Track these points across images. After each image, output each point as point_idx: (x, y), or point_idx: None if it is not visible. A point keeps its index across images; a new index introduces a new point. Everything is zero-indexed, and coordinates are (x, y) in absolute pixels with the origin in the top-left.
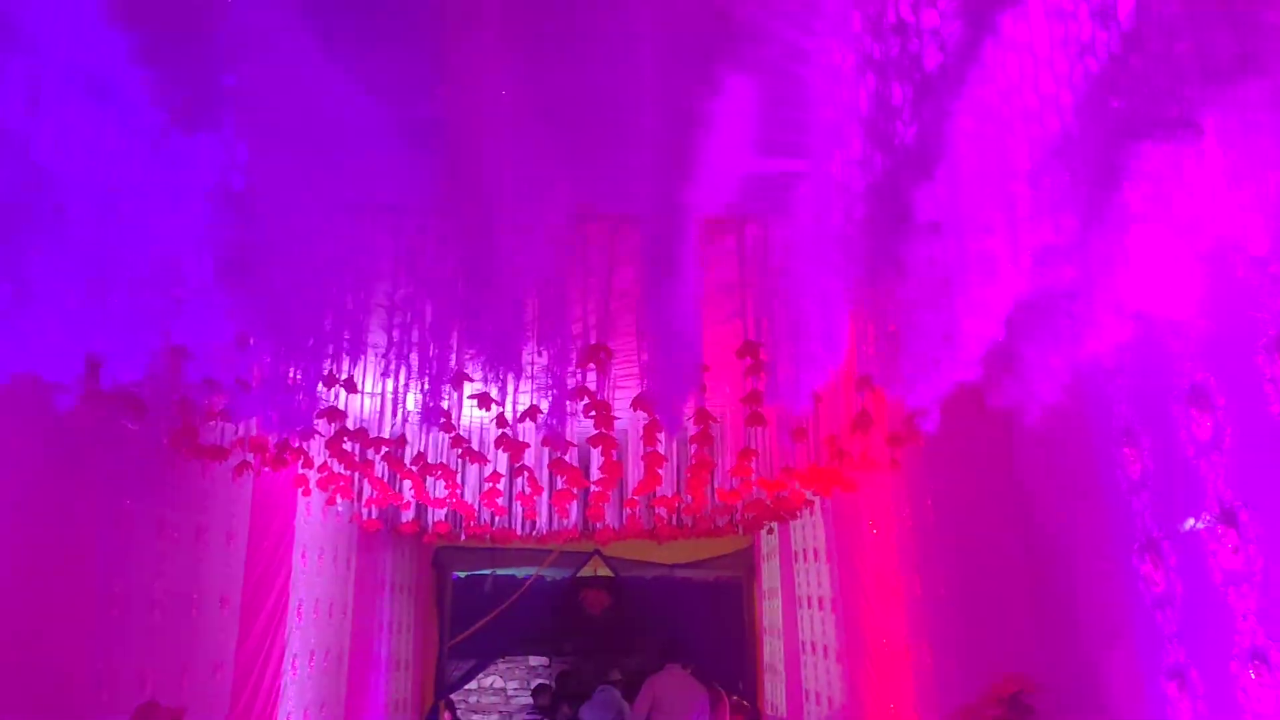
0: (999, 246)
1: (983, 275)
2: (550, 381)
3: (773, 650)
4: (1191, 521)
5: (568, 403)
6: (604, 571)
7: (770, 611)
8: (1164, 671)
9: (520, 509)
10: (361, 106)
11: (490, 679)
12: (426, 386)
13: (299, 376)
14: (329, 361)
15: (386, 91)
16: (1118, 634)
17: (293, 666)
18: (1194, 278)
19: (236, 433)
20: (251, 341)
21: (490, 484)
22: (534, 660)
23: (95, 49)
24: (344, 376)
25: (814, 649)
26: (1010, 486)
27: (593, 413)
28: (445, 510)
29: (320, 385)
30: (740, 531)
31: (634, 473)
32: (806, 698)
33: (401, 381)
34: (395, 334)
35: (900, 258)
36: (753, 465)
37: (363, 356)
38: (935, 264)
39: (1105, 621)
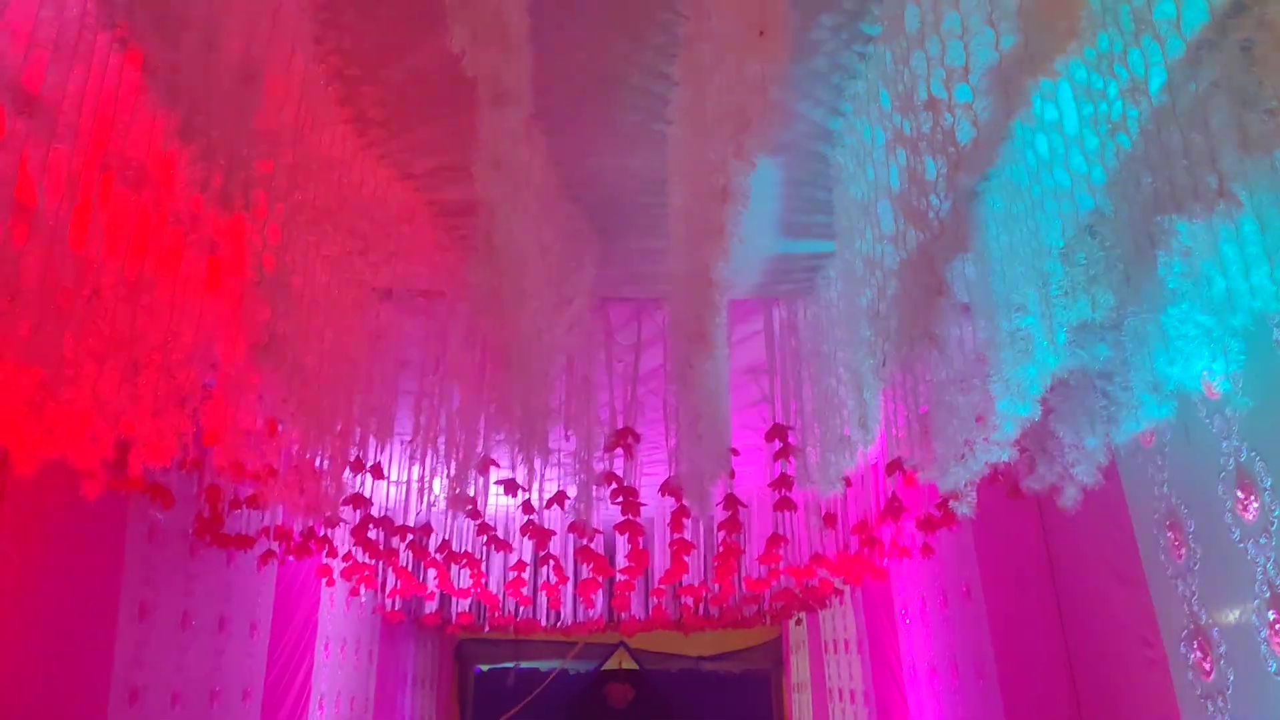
0: (1033, 325)
1: (1017, 355)
2: (577, 467)
3: None
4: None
5: (594, 488)
6: (629, 664)
7: (800, 705)
8: None
9: (545, 599)
10: (395, 192)
11: None
12: (453, 472)
13: (326, 463)
14: (355, 448)
15: (419, 176)
16: None
17: None
18: (1233, 354)
19: (262, 520)
20: (280, 427)
21: (515, 573)
22: None
23: (132, 133)
24: (371, 463)
25: None
26: (1046, 573)
27: (620, 499)
28: (469, 601)
29: (347, 471)
30: (768, 622)
31: (660, 562)
32: None
33: (428, 468)
34: (423, 419)
35: (934, 333)
36: (781, 552)
37: (389, 443)
38: (968, 345)
39: (1150, 713)
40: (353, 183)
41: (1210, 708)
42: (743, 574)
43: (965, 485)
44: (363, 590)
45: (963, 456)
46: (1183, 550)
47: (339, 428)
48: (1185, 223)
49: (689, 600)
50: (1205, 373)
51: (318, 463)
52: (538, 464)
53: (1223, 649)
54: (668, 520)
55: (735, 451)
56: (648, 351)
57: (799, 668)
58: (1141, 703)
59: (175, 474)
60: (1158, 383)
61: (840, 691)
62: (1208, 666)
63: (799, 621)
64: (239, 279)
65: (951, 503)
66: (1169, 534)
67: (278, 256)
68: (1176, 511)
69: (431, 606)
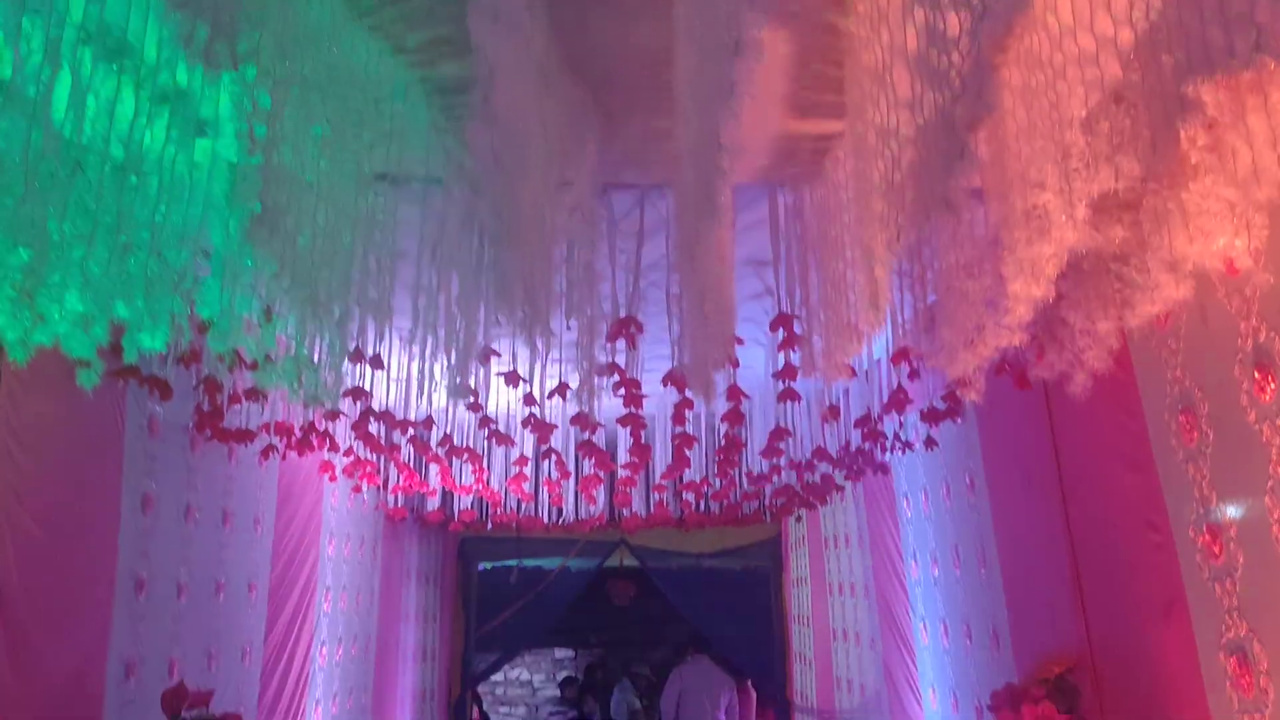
0: (1051, 202)
1: (1032, 233)
2: (579, 356)
3: (802, 638)
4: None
5: (597, 379)
6: (630, 562)
7: (799, 600)
8: (1224, 647)
9: (547, 495)
10: (388, 67)
11: (516, 671)
12: (454, 360)
13: (324, 352)
14: (354, 338)
15: (412, 51)
16: (1172, 609)
17: (321, 654)
18: (1256, 229)
19: (262, 414)
20: (276, 312)
21: (518, 468)
22: (559, 653)
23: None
24: (370, 354)
25: (846, 636)
26: (1052, 461)
27: (622, 391)
28: (471, 497)
29: (346, 361)
30: (768, 519)
31: (662, 459)
32: (838, 685)
33: (427, 359)
34: (421, 304)
35: (952, 201)
36: (783, 446)
37: (388, 333)
38: (978, 230)
39: (1158, 596)
40: (343, 56)
41: (1218, 590)
42: (744, 469)
43: (974, 371)
44: (365, 487)
45: (972, 342)
46: (1195, 434)
47: (336, 315)
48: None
49: (690, 496)
50: (1226, 250)
51: (315, 352)
52: (540, 351)
53: (1233, 531)
54: (669, 415)
55: (739, 340)
56: (650, 241)
57: (798, 563)
58: (1146, 587)
59: (173, 367)
60: (1176, 262)
61: (840, 585)
62: (1217, 550)
63: (799, 519)
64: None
65: (959, 390)
66: (1181, 418)
67: (268, 123)
68: (1190, 395)
69: (434, 503)
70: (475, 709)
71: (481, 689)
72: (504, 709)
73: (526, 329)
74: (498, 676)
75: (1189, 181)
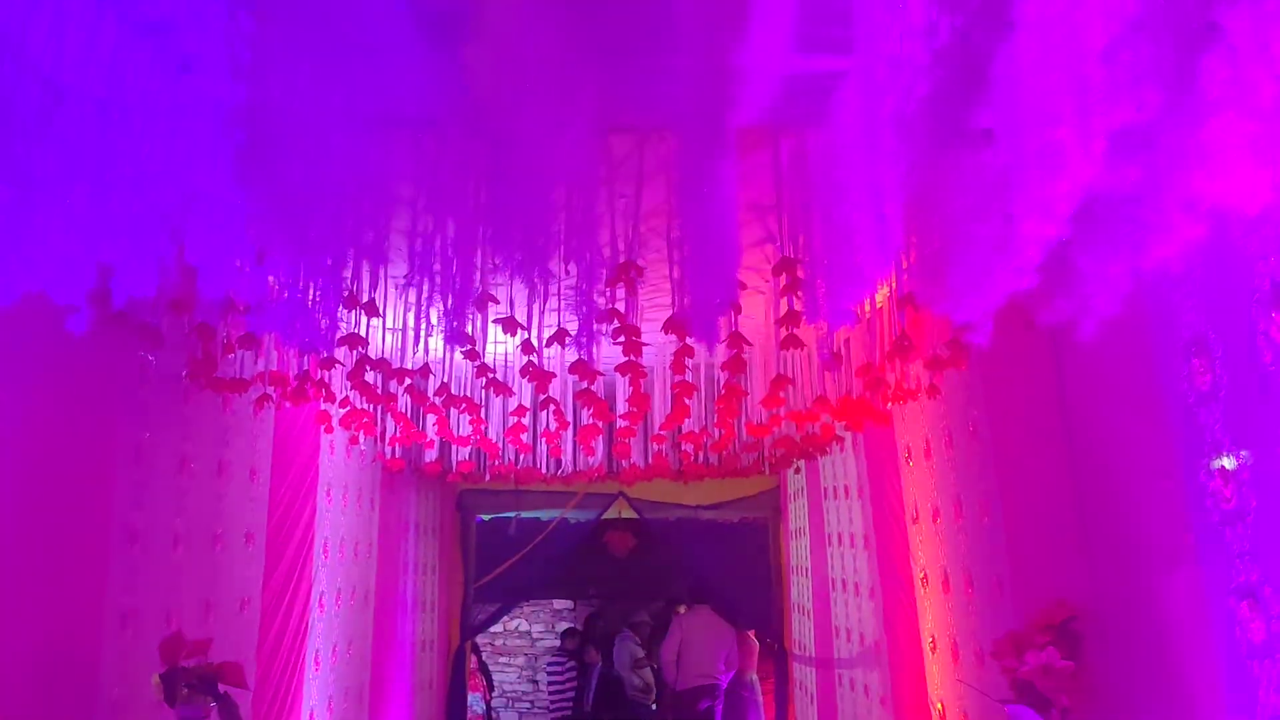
0: (1067, 137)
1: (1045, 172)
2: (578, 301)
3: (800, 589)
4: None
5: (596, 326)
6: (628, 514)
7: (797, 551)
8: (1234, 591)
9: (545, 447)
10: None
11: (515, 622)
12: (450, 305)
13: (318, 296)
14: (349, 282)
15: None
16: (1179, 554)
17: (319, 604)
18: (1276, 168)
19: (256, 364)
20: (268, 256)
21: (515, 418)
22: (559, 604)
23: None
24: (365, 299)
25: (844, 586)
26: (1057, 406)
27: (621, 338)
28: (469, 449)
29: (341, 308)
30: (767, 471)
31: (660, 409)
32: (836, 635)
33: (424, 304)
34: (417, 253)
35: (971, 129)
36: (784, 395)
37: (382, 283)
38: (986, 174)
39: (1165, 542)
40: None
41: (1228, 534)
42: (744, 419)
43: (981, 316)
44: (362, 438)
45: (979, 285)
46: (1208, 377)
47: (329, 261)
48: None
49: (689, 447)
50: (1246, 187)
51: (309, 297)
52: (538, 294)
53: (1246, 475)
54: (669, 363)
55: (743, 285)
56: (649, 187)
57: (797, 514)
58: (1153, 533)
59: (164, 315)
60: (1192, 201)
61: (839, 536)
62: (1228, 494)
63: (797, 470)
64: (214, 96)
65: (965, 335)
66: (1194, 361)
67: (254, 51)
68: (1203, 338)
69: (432, 455)
70: (474, 659)
71: (481, 640)
72: (503, 659)
73: (524, 271)
74: (496, 628)
75: (1208, 117)
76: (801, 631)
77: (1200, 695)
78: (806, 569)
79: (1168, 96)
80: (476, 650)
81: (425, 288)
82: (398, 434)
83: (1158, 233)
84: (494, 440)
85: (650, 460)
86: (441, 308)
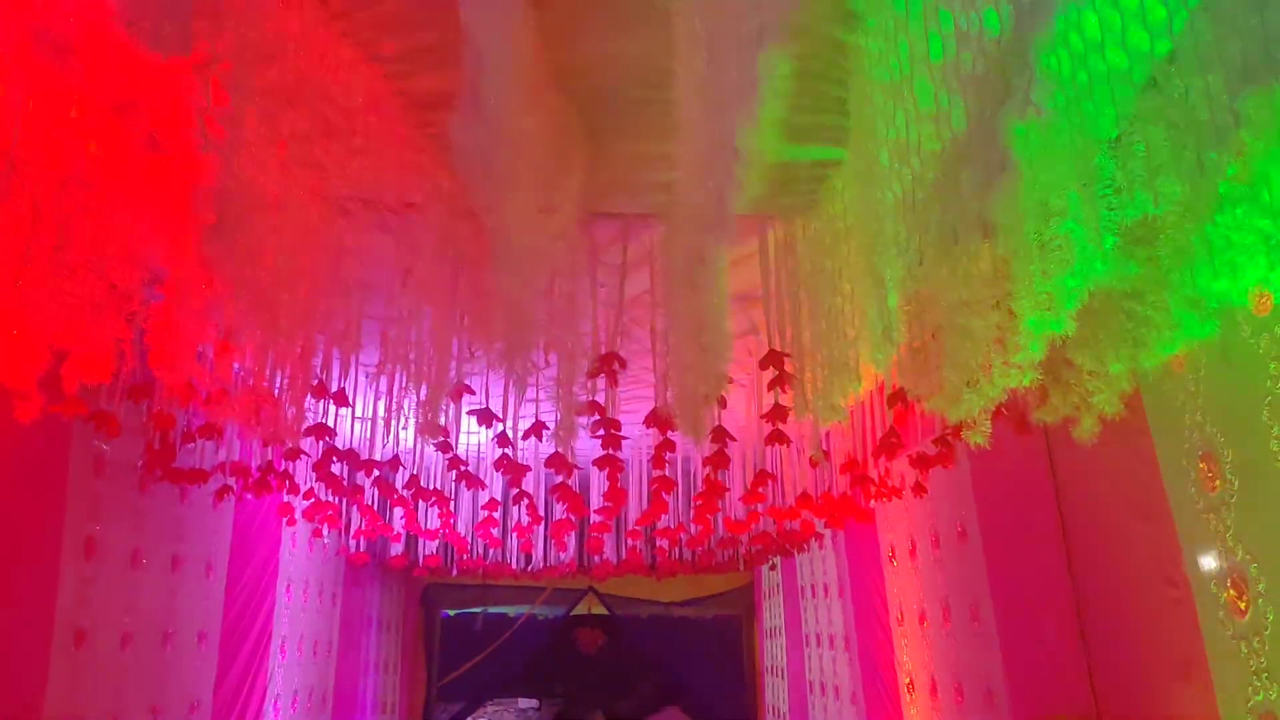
0: (1073, 231)
1: (1049, 266)
2: (558, 393)
3: (775, 691)
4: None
5: (575, 419)
6: (598, 610)
7: (772, 651)
8: (1251, 710)
9: (516, 541)
10: (361, 77)
11: None
12: (424, 395)
13: (286, 384)
14: (319, 370)
15: (387, 60)
16: (1190, 669)
17: (274, 707)
18: None
19: (217, 453)
20: (234, 342)
21: (487, 512)
22: (523, 703)
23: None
24: (335, 389)
25: (824, 690)
26: (1053, 509)
27: (601, 432)
28: (437, 543)
29: (309, 397)
30: (742, 567)
31: (635, 503)
32: None
33: (395, 396)
34: (391, 337)
35: (989, 220)
36: (765, 492)
37: (353, 371)
38: (983, 262)
39: (1173, 655)
40: (312, 60)
41: (1244, 649)
42: (722, 515)
43: (979, 414)
44: (325, 531)
45: (976, 382)
46: (1217, 482)
47: (299, 349)
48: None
49: (664, 543)
50: (1256, 286)
51: (276, 386)
52: (516, 388)
53: (1261, 587)
54: (645, 459)
55: (730, 379)
56: (633, 276)
57: (772, 613)
58: (1161, 645)
59: (121, 402)
60: (1198, 299)
61: (819, 637)
62: (1243, 606)
63: (773, 567)
64: (183, 175)
65: (965, 432)
66: (1201, 465)
67: (227, 129)
68: (1212, 441)
69: (397, 549)
70: None
71: None
72: None
73: (506, 360)
74: None
75: (1214, 214)
76: None
77: None
78: (782, 669)
79: (1191, 188)
80: None
81: (398, 377)
82: (363, 527)
83: (1160, 331)
84: (463, 534)
85: (624, 555)
86: (414, 398)
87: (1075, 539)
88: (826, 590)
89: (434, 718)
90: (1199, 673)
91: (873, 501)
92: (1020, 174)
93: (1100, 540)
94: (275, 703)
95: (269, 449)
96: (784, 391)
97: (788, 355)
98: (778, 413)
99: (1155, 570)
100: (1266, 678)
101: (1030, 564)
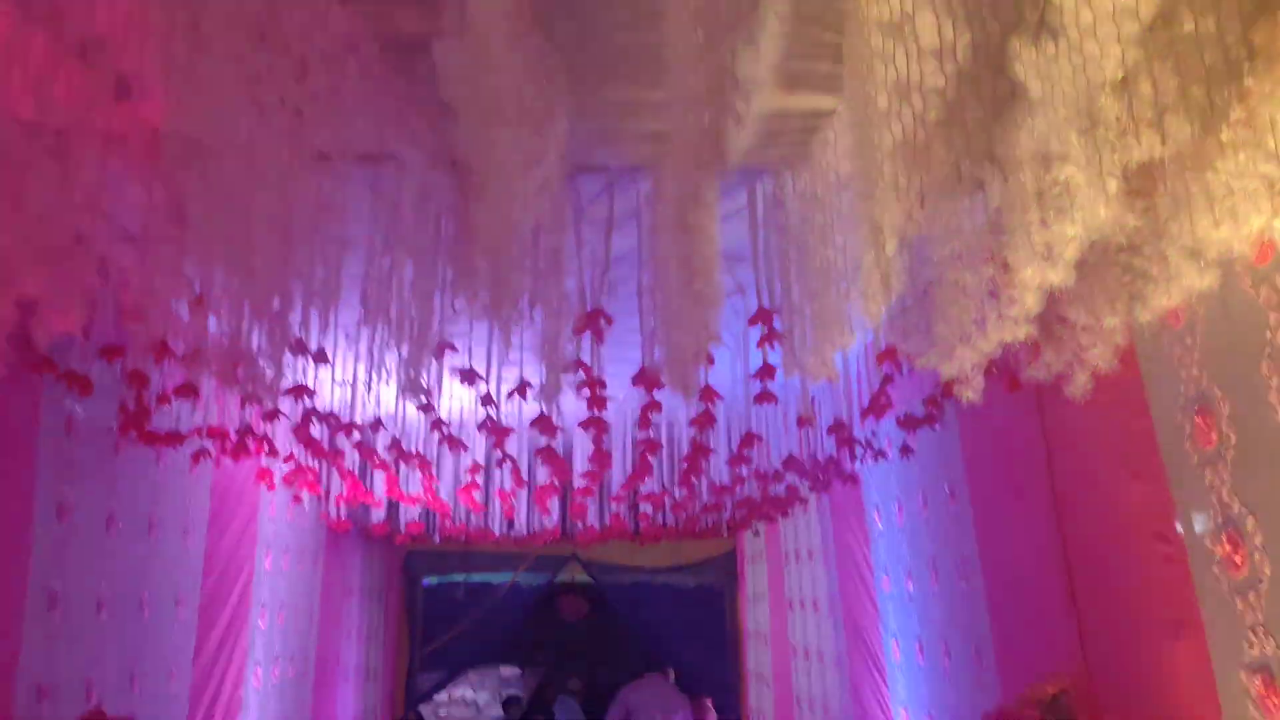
0: (1076, 177)
1: (1048, 214)
2: (543, 350)
3: (758, 657)
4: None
5: (561, 378)
6: (582, 577)
7: (755, 616)
8: (1246, 666)
9: (499, 506)
10: (336, 16)
11: (461, 690)
12: (406, 353)
13: (264, 342)
14: (298, 327)
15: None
16: (1182, 626)
17: (255, 675)
18: None
19: (193, 415)
20: (209, 297)
21: (470, 476)
22: (506, 671)
23: None
24: (314, 347)
25: (807, 654)
26: (1043, 468)
27: (586, 392)
28: (419, 509)
29: (287, 354)
30: (726, 534)
31: (620, 470)
32: (798, 704)
33: (376, 354)
34: (372, 294)
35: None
36: (752, 454)
37: (332, 329)
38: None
39: (1165, 612)
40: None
41: (1240, 604)
42: (707, 479)
43: (971, 370)
44: (305, 497)
45: (970, 337)
46: (1213, 436)
47: (276, 303)
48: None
49: (648, 508)
50: (1260, 233)
51: (253, 342)
52: (500, 342)
53: (1259, 540)
54: (629, 423)
55: (718, 339)
56: (619, 232)
57: (755, 579)
58: (1152, 603)
59: (94, 362)
60: (1198, 249)
61: (802, 601)
62: (1239, 560)
63: (756, 533)
64: (151, 120)
65: (956, 388)
66: (1197, 420)
67: (196, 68)
68: (1208, 395)
69: (379, 515)
70: None
71: (425, 709)
72: None
73: (490, 311)
74: (441, 696)
75: (1215, 160)
76: (760, 700)
77: None
78: (765, 635)
79: (1202, 126)
80: None
81: (379, 331)
82: (344, 493)
83: (1158, 284)
84: (445, 499)
85: (607, 522)
86: (396, 356)
87: (1065, 498)
88: (811, 555)
89: (417, 686)
90: (1191, 630)
91: (859, 465)
92: (1028, 105)
93: (1091, 498)
94: (256, 669)
95: (247, 410)
96: (773, 349)
97: (777, 312)
98: (766, 371)
99: (1147, 527)
100: (1263, 632)
101: (1019, 523)
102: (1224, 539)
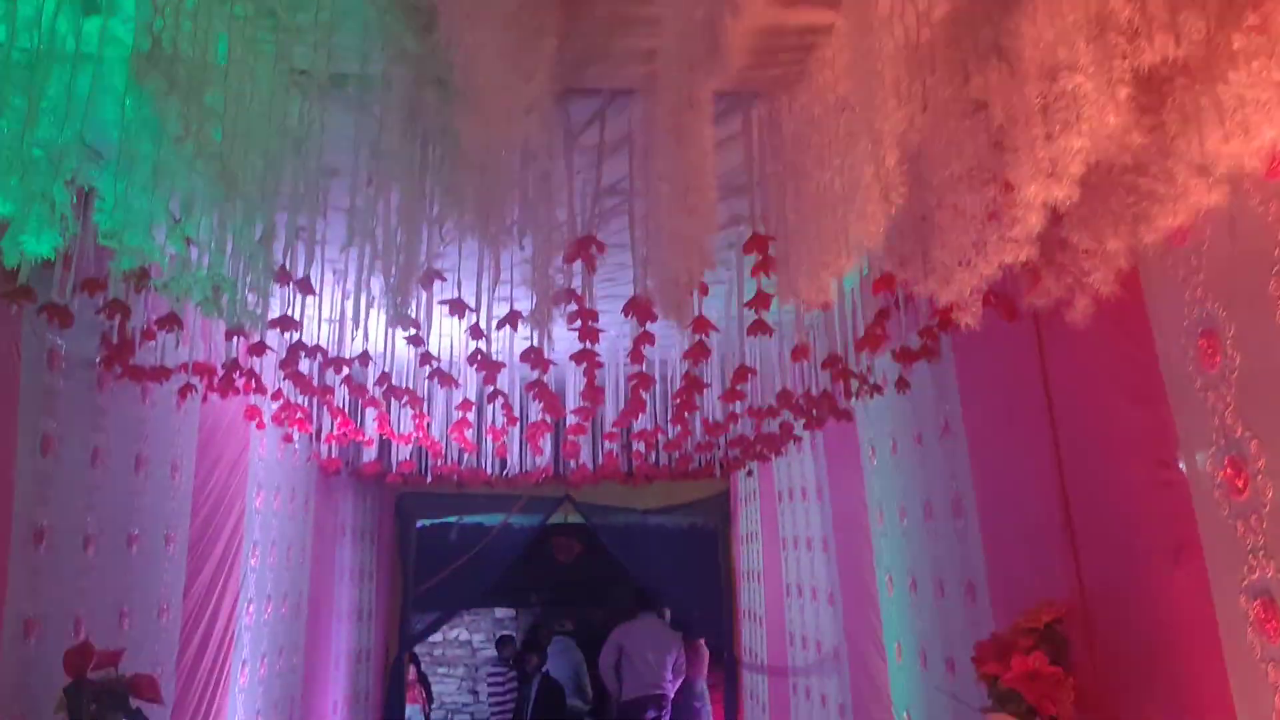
0: (1084, 85)
1: (1053, 128)
2: (534, 276)
3: (751, 595)
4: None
5: (552, 308)
6: (574, 518)
7: (749, 556)
8: (1245, 590)
9: (491, 445)
10: None
11: (455, 631)
12: (393, 279)
13: (246, 271)
14: (281, 255)
15: None
16: (1182, 550)
17: (248, 612)
18: None
19: (178, 346)
20: (188, 222)
21: (461, 413)
22: (500, 612)
23: None
24: (299, 276)
25: (800, 592)
26: (1041, 397)
27: (577, 323)
28: (410, 447)
29: (273, 284)
30: (719, 474)
31: (612, 409)
32: (791, 642)
33: (364, 283)
34: (358, 217)
35: (1008, 46)
36: (745, 389)
37: (319, 265)
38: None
39: (1164, 539)
40: None
41: (1241, 528)
42: (700, 416)
43: (970, 294)
44: (296, 436)
45: (970, 261)
46: (1217, 358)
47: (258, 230)
48: None
49: (641, 446)
50: (1271, 146)
51: (235, 268)
52: (490, 268)
53: (1261, 463)
54: (623, 356)
55: (712, 265)
56: (611, 160)
57: (748, 518)
58: (1150, 530)
59: (75, 295)
60: (1206, 164)
61: (796, 540)
62: (1240, 484)
63: (750, 473)
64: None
65: (954, 313)
66: (1200, 342)
67: None
68: (1213, 316)
69: (370, 454)
70: (413, 669)
71: (419, 650)
72: (442, 670)
73: (478, 229)
74: (436, 637)
75: (1227, 71)
76: (753, 639)
77: (1205, 703)
78: (759, 574)
79: (1217, 21)
80: (416, 660)
81: (365, 252)
82: (334, 431)
83: (1164, 203)
84: (437, 438)
85: (600, 461)
86: (383, 283)
87: (1063, 427)
88: (805, 493)
89: (411, 625)
90: (1190, 555)
91: (854, 400)
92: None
93: (1089, 427)
94: (249, 606)
95: (233, 342)
96: (768, 277)
97: (772, 239)
98: (761, 300)
99: (1147, 454)
100: (1264, 555)
101: (1016, 455)
102: (1226, 463)
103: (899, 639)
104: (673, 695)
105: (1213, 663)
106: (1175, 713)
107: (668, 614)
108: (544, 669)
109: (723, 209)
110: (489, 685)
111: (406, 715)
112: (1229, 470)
